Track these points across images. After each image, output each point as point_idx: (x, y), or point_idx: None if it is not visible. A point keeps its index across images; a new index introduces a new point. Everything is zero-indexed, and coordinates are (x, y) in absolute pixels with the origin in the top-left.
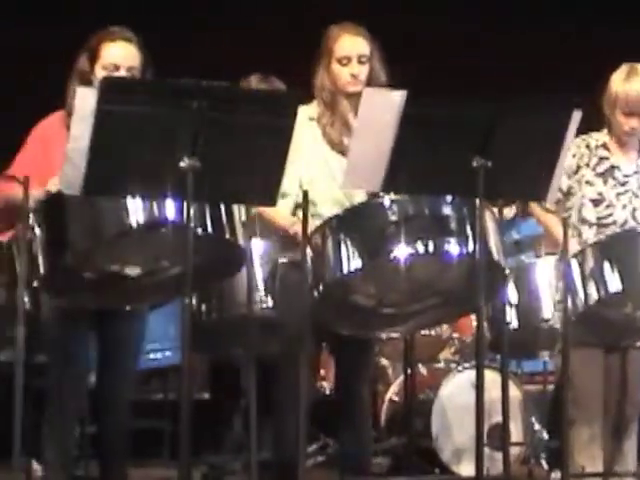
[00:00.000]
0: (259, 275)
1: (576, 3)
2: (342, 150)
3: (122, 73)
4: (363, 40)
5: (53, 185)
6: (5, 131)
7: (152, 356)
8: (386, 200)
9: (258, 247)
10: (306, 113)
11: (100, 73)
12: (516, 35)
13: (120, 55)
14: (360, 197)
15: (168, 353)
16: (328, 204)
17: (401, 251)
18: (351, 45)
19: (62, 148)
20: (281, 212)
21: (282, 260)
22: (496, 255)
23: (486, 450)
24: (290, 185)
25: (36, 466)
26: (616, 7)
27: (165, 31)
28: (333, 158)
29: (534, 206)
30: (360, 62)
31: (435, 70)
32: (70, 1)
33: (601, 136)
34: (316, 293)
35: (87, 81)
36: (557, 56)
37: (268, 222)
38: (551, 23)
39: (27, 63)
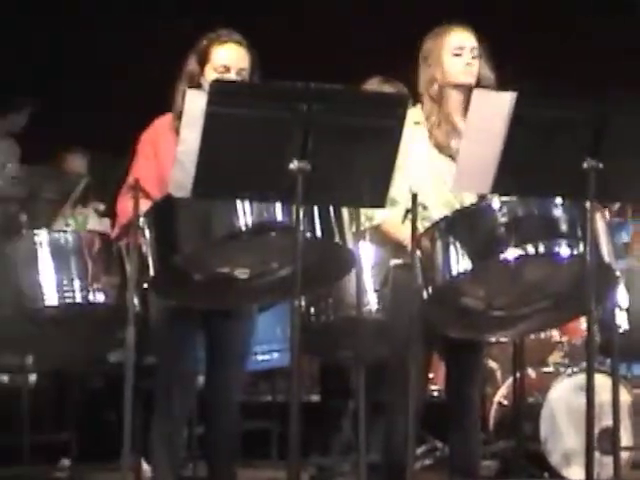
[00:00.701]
0: (368, 278)
1: None
2: (449, 152)
3: (232, 75)
4: (473, 36)
5: None
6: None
7: (260, 358)
8: (495, 202)
9: (367, 250)
10: (411, 117)
11: (210, 75)
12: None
13: (230, 57)
14: (470, 199)
15: (276, 355)
16: (438, 207)
17: (511, 253)
18: (464, 37)
19: (170, 151)
20: (395, 223)
21: (392, 263)
22: (607, 257)
23: (596, 454)
24: (399, 192)
25: (145, 466)
26: None
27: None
28: (441, 161)
29: None
30: (472, 55)
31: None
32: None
33: None
34: (425, 295)
35: (196, 83)
36: None
37: (384, 236)
38: None
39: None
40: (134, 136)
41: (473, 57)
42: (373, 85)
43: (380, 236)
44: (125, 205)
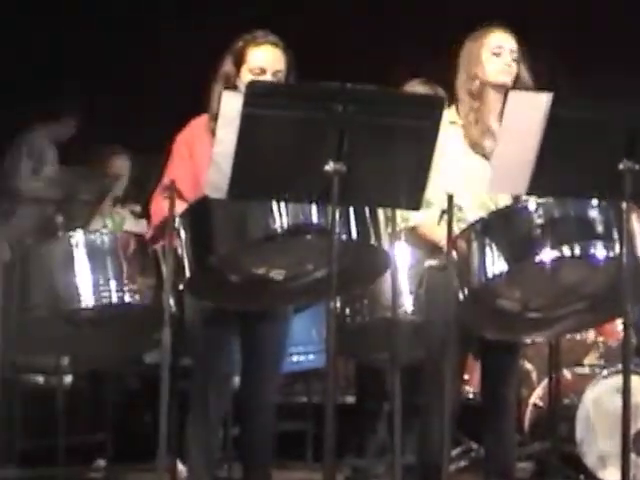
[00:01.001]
0: (404, 279)
1: None
2: (483, 151)
3: (268, 77)
4: (513, 39)
5: None
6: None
7: (295, 359)
8: (531, 203)
9: (403, 251)
10: (446, 117)
11: (246, 76)
12: None
13: (266, 59)
14: (505, 201)
15: (311, 356)
16: (474, 208)
17: (547, 255)
18: (504, 38)
19: (206, 152)
20: (431, 225)
21: (427, 264)
22: None
23: (632, 456)
24: (434, 193)
25: (181, 467)
26: None
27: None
28: (476, 161)
29: None
30: (512, 57)
31: None
32: None
33: None
34: (461, 297)
35: (232, 84)
36: None
37: (420, 237)
38: None
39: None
40: (170, 137)
41: (513, 59)
42: (413, 87)
43: (415, 237)
44: (159, 206)
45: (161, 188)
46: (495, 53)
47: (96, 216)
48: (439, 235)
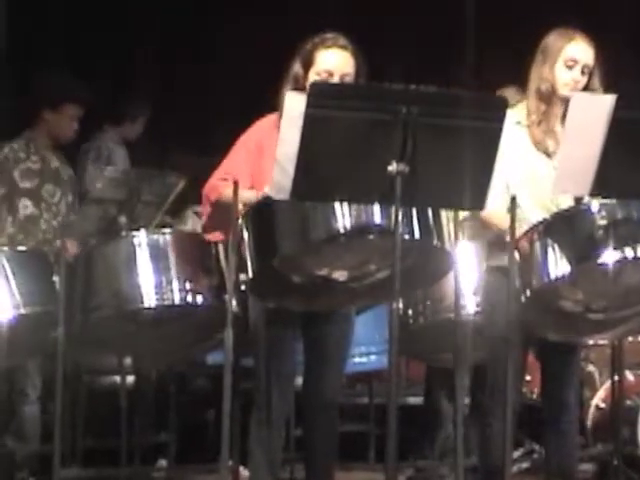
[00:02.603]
0: (466, 280)
1: None
2: (546, 151)
3: (335, 80)
4: (592, 52)
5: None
6: None
7: (357, 360)
8: (594, 204)
9: (465, 252)
10: (512, 117)
11: (313, 79)
12: None
13: (334, 62)
14: (566, 202)
15: (373, 357)
16: (534, 208)
17: (609, 256)
18: (581, 52)
19: (273, 149)
20: (497, 212)
21: (488, 265)
22: None
23: None
24: (496, 191)
25: (242, 468)
26: None
27: None
28: (539, 160)
29: None
30: (582, 72)
31: None
32: None
33: None
34: (523, 298)
35: (300, 86)
36: None
37: (483, 222)
38: None
39: None
40: (234, 138)
41: (582, 73)
42: (509, 94)
43: (477, 228)
44: (214, 184)
45: (217, 174)
46: (568, 65)
47: (158, 218)
48: (505, 222)
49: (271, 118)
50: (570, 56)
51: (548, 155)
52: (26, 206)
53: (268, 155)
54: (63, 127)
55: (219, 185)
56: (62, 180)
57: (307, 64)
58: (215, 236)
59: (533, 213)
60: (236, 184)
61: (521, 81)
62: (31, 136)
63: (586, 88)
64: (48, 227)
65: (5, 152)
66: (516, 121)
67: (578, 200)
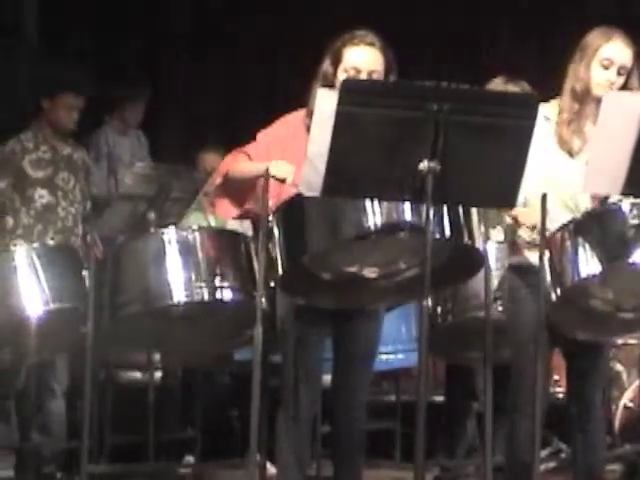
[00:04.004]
0: (495, 278)
1: None
2: (570, 151)
3: (363, 77)
4: (630, 53)
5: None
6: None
7: (384, 358)
8: (625, 204)
9: (493, 250)
10: (542, 112)
11: (341, 76)
12: None
13: (361, 59)
14: (585, 202)
15: (400, 355)
16: (555, 206)
17: None
18: (618, 52)
19: (297, 147)
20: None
21: (510, 263)
22: None
23: None
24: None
25: (270, 465)
26: None
27: None
28: (560, 159)
29: None
30: (619, 73)
31: None
32: None
33: None
34: (553, 297)
35: (330, 83)
36: None
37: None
38: None
39: None
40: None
41: (619, 74)
42: (498, 85)
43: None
44: (228, 159)
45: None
46: (604, 65)
47: (188, 215)
48: (534, 216)
49: (298, 115)
50: (606, 56)
51: (571, 155)
52: (42, 196)
53: (291, 152)
54: (61, 117)
55: (233, 159)
56: (76, 165)
57: (336, 61)
58: (226, 212)
59: (553, 210)
60: (266, 181)
61: (548, 79)
62: (38, 126)
63: (624, 88)
64: (66, 215)
65: (11, 145)
66: (545, 116)
67: (603, 200)
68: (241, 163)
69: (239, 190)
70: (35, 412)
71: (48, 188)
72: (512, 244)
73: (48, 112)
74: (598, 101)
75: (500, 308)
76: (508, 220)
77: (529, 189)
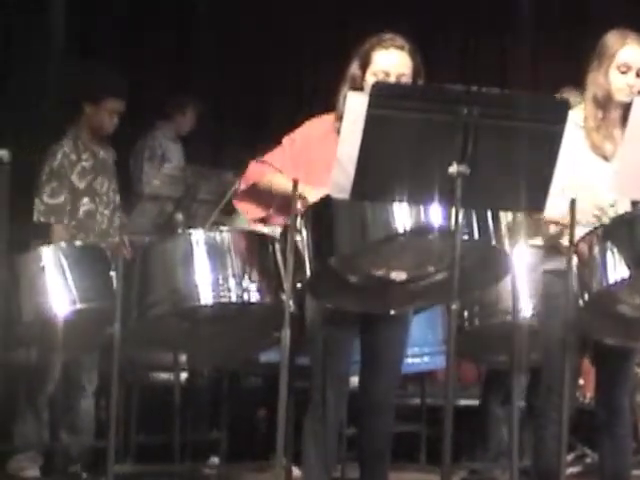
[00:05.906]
0: (523, 283)
1: None
2: (604, 155)
3: (392, 80)
4: None
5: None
6: None
7: (410, 360)
8: None
9: (522, 254)
10: (571, 118)
11: (370, 79)
12: None
13: (391, 62)
14: (623, 205)
15: (426, 358)
16: (585, 211)
17: None
18: (634, 55)
19: (326, 150)
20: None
21: (545, 268)
22: None
23: None
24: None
25: (295, 467)
26: None
27: None
28: (596, 163)
29: None
30: (638, 75)
31: None
32: None
33: None
34: (582, 302)
35: (358, 86)
36: None
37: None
38: None
39: None
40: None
41: (638, 76)
42: (569, 95)
43: (534, 228)
44: (258, 169)
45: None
46: (622, 71)
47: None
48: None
49: (327, 119)
50: (623, 61)
51: (605, 158)
52: (84, 204)
53: (317, 155)
54: (104, 121)
55: (262, 171)
56: (109, 167)
57: (364, 64)
58: (251, 212)
59: (584, 215)
60: (295, 183)
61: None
62: (77, 133)
63: None
64: (102, 218)
65: (59, 158)
66: (575, 122)
67: (635, 203)
68: (271, 177)
69: (267, 198)
70: (65, 411)
71: (89, 196)
72: (550, 249)
73: (91, 116)
74: (622, 105)
75: (530, 312)
76: (552, 230)
77: (571, 196)
